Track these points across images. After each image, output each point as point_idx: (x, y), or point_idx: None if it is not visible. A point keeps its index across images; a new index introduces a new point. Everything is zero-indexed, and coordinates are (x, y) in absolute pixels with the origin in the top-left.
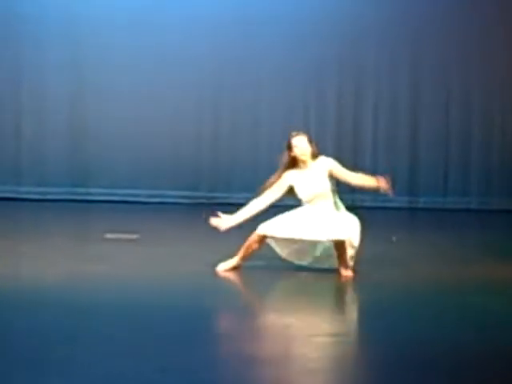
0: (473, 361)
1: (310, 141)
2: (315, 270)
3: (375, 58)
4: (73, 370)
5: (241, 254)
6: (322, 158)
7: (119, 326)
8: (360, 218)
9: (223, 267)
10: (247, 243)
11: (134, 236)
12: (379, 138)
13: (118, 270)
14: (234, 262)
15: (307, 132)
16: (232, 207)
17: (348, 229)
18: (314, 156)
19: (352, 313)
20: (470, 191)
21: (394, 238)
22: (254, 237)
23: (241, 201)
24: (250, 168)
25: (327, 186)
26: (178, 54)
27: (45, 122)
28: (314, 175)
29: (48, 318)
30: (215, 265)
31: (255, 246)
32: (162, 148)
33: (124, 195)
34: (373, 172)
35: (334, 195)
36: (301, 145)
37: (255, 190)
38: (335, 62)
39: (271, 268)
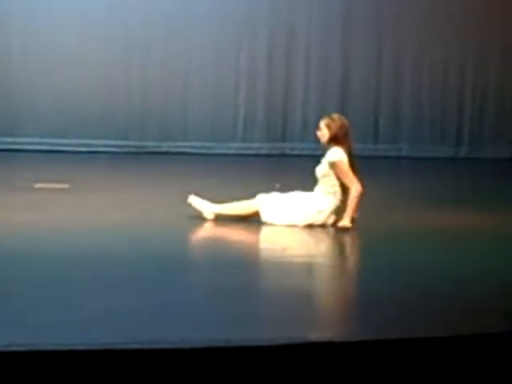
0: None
1: (328, 126)
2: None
3: (307, 6)
4: (8, 319)
5: (232, 210)
6: (333, 151)
7: (53, 275)
8: (289, 166)
9: (196, 202)
10: (242, 207)
11: (65, 185)
12: (310, 85)
13: (50, 219)
14: (213, 208)
15: (343, 115)
16: (162, 156)
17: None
18: (331, 140)
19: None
20: (400, 138)
21: (277, 185)
22: (253, 208)
23: (171, 149)
24: (180, 117)
25: (320, 173)
26: (106, 2)
27: None
28: (323, 159)
29: None
30: (146, 212)
31: (248, 213)
32: (91, 97)
33: (53, 144)
34: (304, 120)
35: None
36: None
37: (185, 139)
38: (266, 11)
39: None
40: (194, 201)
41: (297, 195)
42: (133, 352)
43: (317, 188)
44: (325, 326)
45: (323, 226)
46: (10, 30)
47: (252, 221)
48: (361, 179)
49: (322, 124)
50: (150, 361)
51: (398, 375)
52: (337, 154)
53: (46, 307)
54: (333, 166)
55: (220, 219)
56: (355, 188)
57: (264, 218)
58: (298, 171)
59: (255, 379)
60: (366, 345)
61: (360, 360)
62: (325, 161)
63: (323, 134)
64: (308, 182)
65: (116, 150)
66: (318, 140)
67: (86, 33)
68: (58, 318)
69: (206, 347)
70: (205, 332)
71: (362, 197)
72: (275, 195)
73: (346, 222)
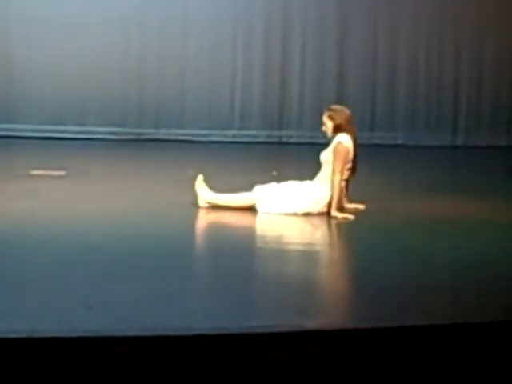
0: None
1: (331, 117)
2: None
3: None
4: (6, 306)
5: (228, 201)
6: (340, 135)
7: (46, 263)
8: (285, 153)
9: (199, 185)
10: (240, 198)
11: (61, 172)
12: (307, 73)
13: (45, 206)
14: (209, 197)
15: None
16: (159, 143)
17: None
18: (336, 130)
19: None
20: (396, 126)
21: (274, 173)
22: (249, 201)
23: (167, 136)
24: (177, 104)
25: (323, 158)
26: None
27: None
28: (329, 146)
29: None
30: (143, 200)
31: (243, 206)
32: (88, 84)
33: (50, 131)
34: (300, 108)
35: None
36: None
37: (182, 127)
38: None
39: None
40: (199, 184)
41: (293, 184)
42: (132, 339)
43: (318, 176)
44: (321, 314)
45: (321, 214)
46: (10, 17)
47: (249, 209)
48: (355, 169)
49: (325, 117)
50: (149, 348)
51: (395, 363)
52: (343, 138)
53: (44, 294)
54: (335, 146)
55: (214, 207)
56: (336, 179)
57: (260, 209)
58: (294, 159)
59: (253, 367)
60: (361, 333)
61: (354, 348)
62: (331, 146)
63: (327, 126)
64: (305, 170)
65: (113, 137)
66: (325, 135)
67: (84, 20)
68: (57, 305)
69: (203, 334)
70: (202, 319)
71: (342, 189)
72: (272, 186)
73: (333, 212)
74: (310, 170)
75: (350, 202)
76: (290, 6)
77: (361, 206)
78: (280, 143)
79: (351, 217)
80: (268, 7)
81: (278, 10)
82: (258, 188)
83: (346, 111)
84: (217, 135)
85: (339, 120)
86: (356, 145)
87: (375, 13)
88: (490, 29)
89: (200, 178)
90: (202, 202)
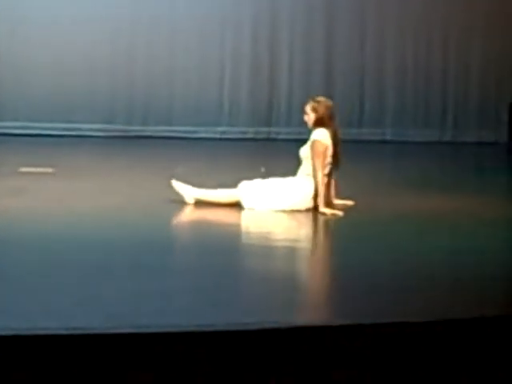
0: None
1: (314, 109)
2: None
3: None
4: None
5: (213, 197)
6: (317, 131)
7: (36, 261)
8: (274, 150)
9: (177, 186)
10: (223, 195)
11: (50, 169)
12: (295, 70)
13: (34, 203)
14: (194, 193)
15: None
16: (147, 140)
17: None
18: (317, 123)
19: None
20: (384, 123)
21: (262, 169)
22: (234, 197)
23: (156, 134)
24: (166, 101)
25: (303, 154)
26: None
27: None
28: (308, 142)
29: None
30: (131, 197)
31: (228, 202)
32: (77, 81)
33: (39, 129)
34: (289, 104)
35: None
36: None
37: (170, 123)
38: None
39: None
40: (176, 185)
41: (279, 181)
42: (123, 336)
43: (299, 171)
44: (308, 310)
45: (308, 210)
46: None
47: (234, 206)
48: (338, 163)
49: (308, 108)
50: (136, 345)
51: (382, 359)
52: (320, 133)
53: (31, 292)
54: (312, 144)
55: (201, 204)
56: (318, 176)
57: (246, 205)
58: (283, 155)
59: (240, 363)
60: (348, 329)
61: (342, 345)
62: (309, 142)
63: (310, 118)
64: (293, 166)
65: (101, 134)
66: (305, 124)
67: (73, 18)
68: (44, 303)
69: (190, 332)
70: (189, 317)
71: (326, 183)
72: (257, 182)
73: (321, 209)
74: (298, 166)
75: (339, 198)
76: (277, 3)
77: (349, 203)
78: (268, 140)
79: (340, 213)
80: (256, 5)
81: (265, 8)
82: (243, 184)
83: (329, 103)
84: (205, 132)
85: (322, 113)
86: (337, 138)
87: (363, 10)
88: (477, 26)
89: (173, 181)
90: (189, 199)
